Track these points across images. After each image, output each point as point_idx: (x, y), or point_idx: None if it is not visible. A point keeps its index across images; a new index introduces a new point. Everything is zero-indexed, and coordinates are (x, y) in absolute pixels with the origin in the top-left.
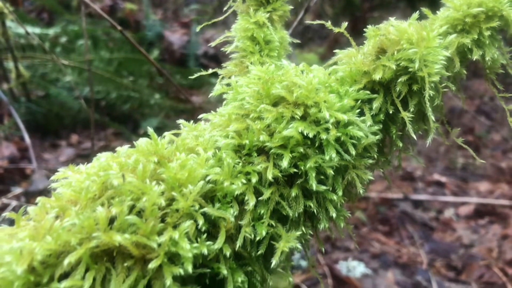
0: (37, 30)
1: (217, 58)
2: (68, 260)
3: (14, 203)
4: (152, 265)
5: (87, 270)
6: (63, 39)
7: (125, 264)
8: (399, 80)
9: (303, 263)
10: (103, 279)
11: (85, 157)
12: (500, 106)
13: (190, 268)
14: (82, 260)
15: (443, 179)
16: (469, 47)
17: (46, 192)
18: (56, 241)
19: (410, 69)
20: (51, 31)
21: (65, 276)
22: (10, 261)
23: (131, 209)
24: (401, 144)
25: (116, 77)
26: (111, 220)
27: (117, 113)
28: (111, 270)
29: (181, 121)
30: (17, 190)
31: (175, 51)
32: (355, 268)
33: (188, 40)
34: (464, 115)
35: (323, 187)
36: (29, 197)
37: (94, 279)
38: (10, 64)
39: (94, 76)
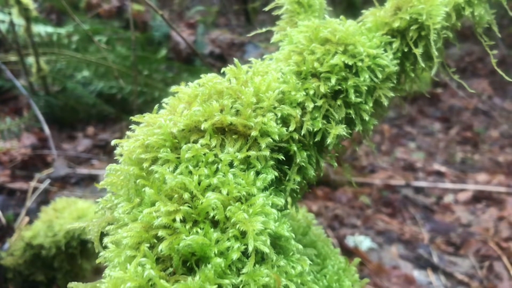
0: (50, 29)
1: (222, 58)
2: (203, 125)
3: (42, 186)
4: (253, 133)
5: (210, 138)
6: (75, 38)
7: (233, 137)
8: (411, 28)
9: None
10: (220, 145)
11: (101, 147)
12: (498, 104)
13: (277, 138)
14: (206, 132)
15: (443, 169)
16: (462, 5)
17: (67, 178)
18: (190, 119)
19: (419, 20)
20: (63, 30)
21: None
22: (161, 129)
23: (232, 105)
24: (412, 75)
25: (131, 72)
26: (220, 111)
27: (131, 107)
28: (224, 139)
29: (251, 59)
30: (41, 176)
31: (182, 51)
32: (361, 242)
33: (194, 40)
34: (463, 113)
35: (359, 99)
36: (52, 182)
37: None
38: (29, 60)
39: (111, 71)
